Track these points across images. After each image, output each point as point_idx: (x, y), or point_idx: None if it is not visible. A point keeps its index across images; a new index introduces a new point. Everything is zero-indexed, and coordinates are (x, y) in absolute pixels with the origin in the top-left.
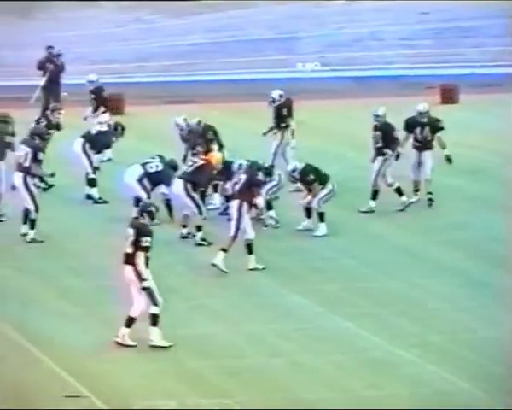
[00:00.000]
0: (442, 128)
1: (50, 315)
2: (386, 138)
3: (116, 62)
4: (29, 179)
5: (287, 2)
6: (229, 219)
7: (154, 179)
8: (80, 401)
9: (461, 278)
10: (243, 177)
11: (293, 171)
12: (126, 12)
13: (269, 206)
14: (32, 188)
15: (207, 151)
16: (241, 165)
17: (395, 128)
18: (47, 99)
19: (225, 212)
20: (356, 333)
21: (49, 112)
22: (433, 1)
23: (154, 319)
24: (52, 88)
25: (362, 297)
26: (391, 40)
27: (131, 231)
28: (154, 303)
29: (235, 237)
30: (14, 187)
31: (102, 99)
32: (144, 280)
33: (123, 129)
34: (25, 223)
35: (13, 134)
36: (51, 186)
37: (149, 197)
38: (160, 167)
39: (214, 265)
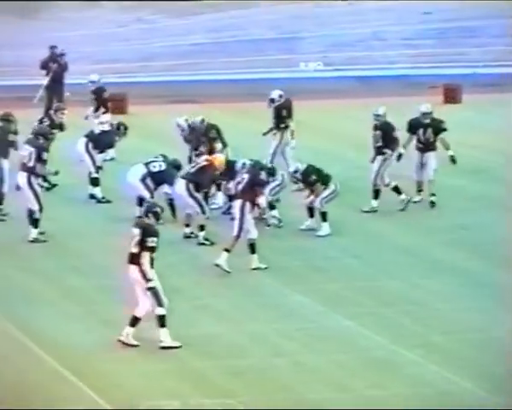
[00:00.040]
0: (445, 129)
1: (54, 315)
2: (385, 138)
3: (119, 62)
4: (33, 179)
5: (288, 2)
6: (232, 219)
7: (157, 179)
8: (84, 401)
9: (463, 278)
10: (246, 176)
11: (295, 172)
12: (128, 12)
13: (271, 205)
14: (36, 187)
15: (211, 150)
16: (244, 164)
17: (395, 128)
18: (50, 99)
19: (228, 211)
20: (358, 332)
21: (52, 112)
22: (436, 1)
23: (162, 321)
24: (55, 88)
25: (364, 297)
26: (393, 40)
27: (137, 231)
28: (160, 304)
29: (237, 236)
30: (18, 187)
31: (103, 100)
32: (149, 280)
33: (126, 129)
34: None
35: (15, 133)
36: (54, 186)
37: (152, 197)
38: (163, 167)
39: (217, 265)
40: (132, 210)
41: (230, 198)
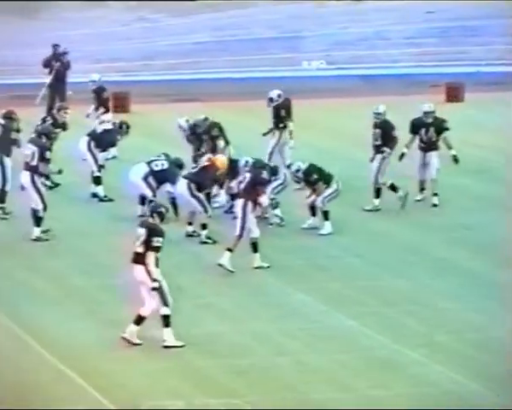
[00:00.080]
0: (447, 129)
1: (56, 314)
2: (384, 136)
3: (121, 61)
4: (36, 178)
5: (287, 2)
6: (234, 218)
7: (160, 178)
8: (87, 400)
9: (467, 277)
10: (247, 176)
11: (297, 171)
12: (130, 11)
13: (274, 204)
14: (40, 186)
15: (213, 148)
16: (247, 161)
17: (394, 127)
18: (52, 97)
19: (230, 210)
20: (361, 332)
21: (55, 111)
22: (439, 0)
23: (166, 320)
24: (58, 86)
25: (367, 296)
26: (396, 39)
27: (142, 231)
28: (165, 304)
29: (240, 236)
30: (23, 187)
31: (103, 100)
32: (155, 280)
33: (128, 127)
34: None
35: (18, 130)
36: (57, 185)
37: (155, 195)
38: (166, 166)
39: (221, 265)
40: (135, 209)
41: (233, 197)
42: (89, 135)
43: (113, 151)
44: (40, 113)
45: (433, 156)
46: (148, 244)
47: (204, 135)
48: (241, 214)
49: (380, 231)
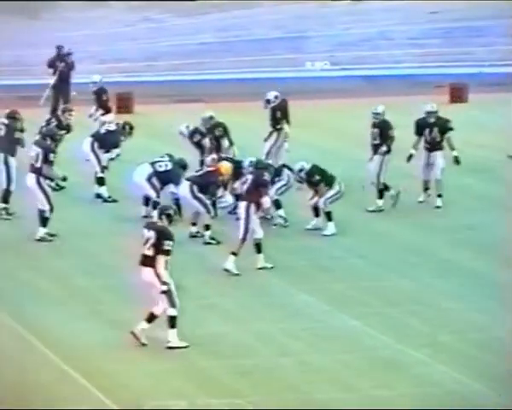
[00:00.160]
0: (451, 129)
1: (60, 314)
2: (382, 136)
3: (125, 61)
4: (42, 180)
5: (291, 2)
6: (238, 219)
7: (163, 178)
8: (90, 401)
9: (470, 277)
10: (249, 177)
11: (300, 171)
12: (135, 12)
13: (278, 205)
14: (46, 188)
15: (217, 148)
16: (251, 162)
17: (393, 127)
18: (56, 98)
19: (234, 211)
20: (364, 332)
21: (59, 112)
22: (442, 0)
23: (172, 321)
24: (62, 87)
25: (370, 296)
26: (400, 40)
27: (151, 233)
28: (172, 305)
29: (244, 239)
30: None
31: (102, 101)
32: (164, 284)
33: (131, 128)
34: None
35: (22, 130)
36: (62, 188)
37: (159, 196)
38: (169, 166)
39: (226, 270)
40: (138, 210)
41: (237, 197)
42: (92, 136)
43: (116, 150)
44: (44, 114)
45: (437, 156)
46: (158, 247)
47: (208, 134)
48: (244, 217)
49: (383, 232)
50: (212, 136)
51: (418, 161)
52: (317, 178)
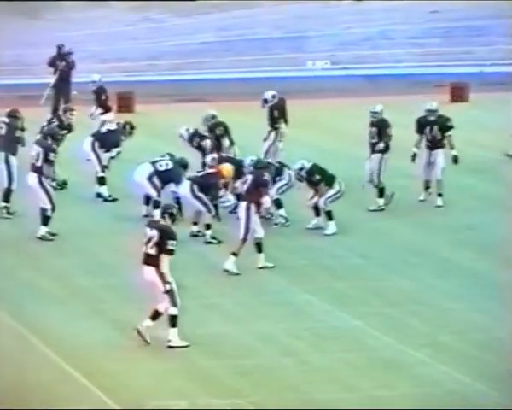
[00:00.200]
0: (451, 127)
1: (61, 313)
2: (380, 134)
3: (126, 61)
4: (43, 179)
5: (291, 2)
6: (239, 218)
7: (164, 178)
8: (91, 400)
9: (470, 278)
10: (249, 177)
11: (301, 169)
12: (136, 11)
13: (279, 204)
14: (48, 187)
15: (218, 147)
16: (252, 160)
17: (391, 125)
18: (57, 98)
19: (235, 210)
20: (365, 332)
21: (61, 112)
22: (443, 0)
23: (174, 321)
24: (62, 86)
25: (371, 296)
26: (400, 39)
27: (154, 233)
28: (174, 304)
29: (244, 239)
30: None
31: (102, 100)
32: (167, 283)
33: (132, 128)
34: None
35: (22, 129)
36: (62, 188)
37: (159, 195)
38: (170, 166)
39: (226, 270)
40: (139, 209)
41: (238, 197)
42: (93, 135)
43: (116, 149)
44: (45, 113)
45: (438, 155)
46: (161, 247)
47: (209, 133)
48: (244, 217)
49: (384, 231)
50: (212, 135)
51: (419, 159)
52: (318, 178)
